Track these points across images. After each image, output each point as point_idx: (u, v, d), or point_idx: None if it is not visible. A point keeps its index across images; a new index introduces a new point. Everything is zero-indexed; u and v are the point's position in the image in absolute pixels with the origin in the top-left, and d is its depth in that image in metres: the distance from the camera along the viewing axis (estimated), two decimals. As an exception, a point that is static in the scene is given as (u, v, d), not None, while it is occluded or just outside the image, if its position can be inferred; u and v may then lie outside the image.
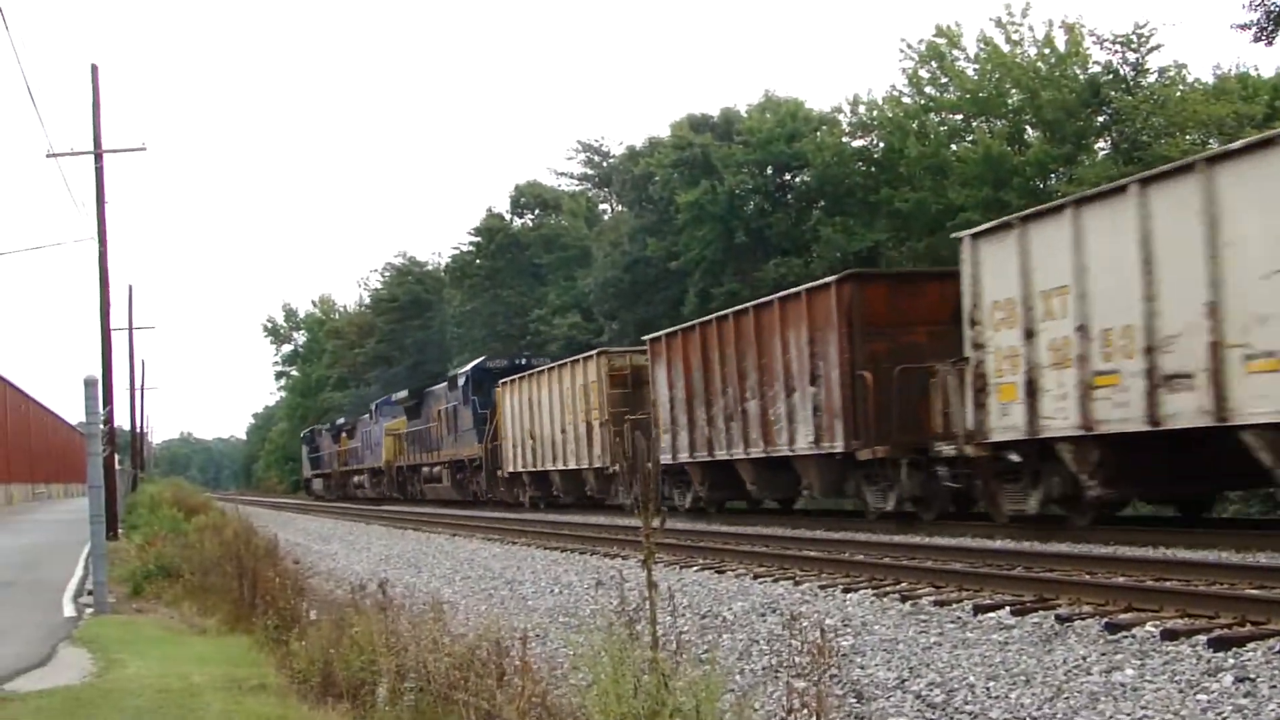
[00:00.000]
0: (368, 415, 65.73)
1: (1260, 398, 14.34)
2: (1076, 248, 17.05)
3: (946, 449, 19.98)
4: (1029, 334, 18.02)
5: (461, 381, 47.29)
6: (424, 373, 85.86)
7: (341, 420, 77.19)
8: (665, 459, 28.79)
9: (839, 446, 22.36)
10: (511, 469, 41.27)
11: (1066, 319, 17.31)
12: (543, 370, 38.90)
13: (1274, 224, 14.08)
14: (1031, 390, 17.91)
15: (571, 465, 35.94)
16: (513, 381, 41.24)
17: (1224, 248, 14.77)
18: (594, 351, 35.86)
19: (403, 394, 57.17)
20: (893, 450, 21.29)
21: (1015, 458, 18.58)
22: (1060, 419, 17.45)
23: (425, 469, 53.07)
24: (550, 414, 37.56)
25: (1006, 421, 18.45)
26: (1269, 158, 14.38)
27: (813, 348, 23.03)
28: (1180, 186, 15.47)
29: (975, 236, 19.36)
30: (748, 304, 26.69)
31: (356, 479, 68.34)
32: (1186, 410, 15.39)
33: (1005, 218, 19.45)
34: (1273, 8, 26.63)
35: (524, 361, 44.54)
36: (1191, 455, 16.32)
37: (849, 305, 22.18)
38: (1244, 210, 14.57)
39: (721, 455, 26.84)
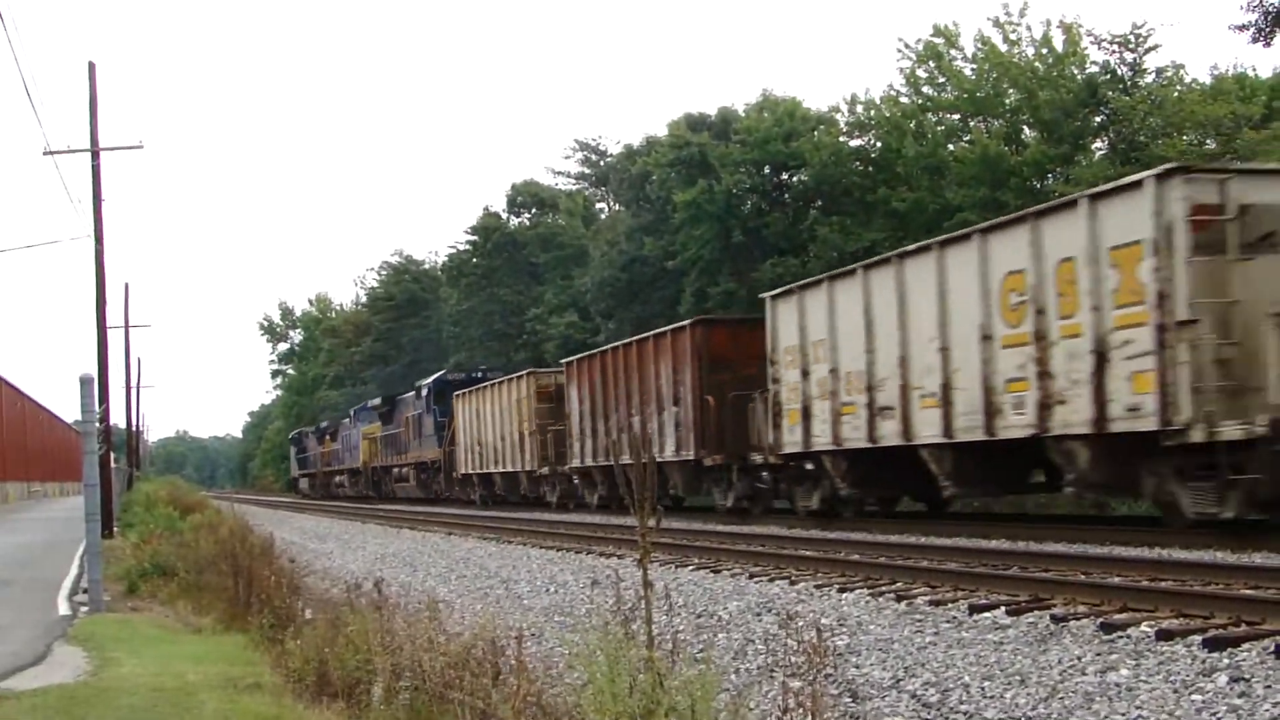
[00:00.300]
0: (347, 420, 70.68)
1: (928, 425, 20.69)
2: (830, 311, 23.46)
3: (757, 458, 26.33)
4: (805, 373, 24.25)
5: (425, 392, 53.21)
6: (420, 371, 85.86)
7: (325, 424, 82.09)
8: (576, 463, 35.46)
9: (691, 455, 28.51)
10: (464, 471, 47.30)
11: (825, 363, 23.59)
12: (487, 385, 44.93)
13: (932, 307, 20.53)
14: (806, 415, 24.20)
15: (509, 468, 42.14)
16: (465, 394, 47.23)
17: (909, 318, 21.24)
18: (525, 371, 42.42)
19: (377, 401, 62.97)
20: (727, 458, 27.36)
21: (810, 466, 24.45)
22: (823, 437, 23.76)
23: (395, 470, 59.08)
24: (493, 424, 43.62)
25: (792, 438, 24.73)
26: (930, 258, 20.68)
27: (675, 376, 29.28)
28: (885, 272, 21.97)
29: (773, 298, 25.72)
30: (633, 338, 33.17)
31: (338, 479, 73.71)
32: (891, 433, 21.69)
33: (790, 285, 26.11)
34: (1270, 8, 26.62)
35: (480, 375, 49.95)
36: (902, 466, 22.00)
37: (699, 344, 28.41)
38: (920, 294, 20.93)
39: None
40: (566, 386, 36.84)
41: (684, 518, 28.04)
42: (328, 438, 78.53)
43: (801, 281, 25.84)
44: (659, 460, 28.32)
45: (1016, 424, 18.73)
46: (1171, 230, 15.78)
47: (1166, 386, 15.78)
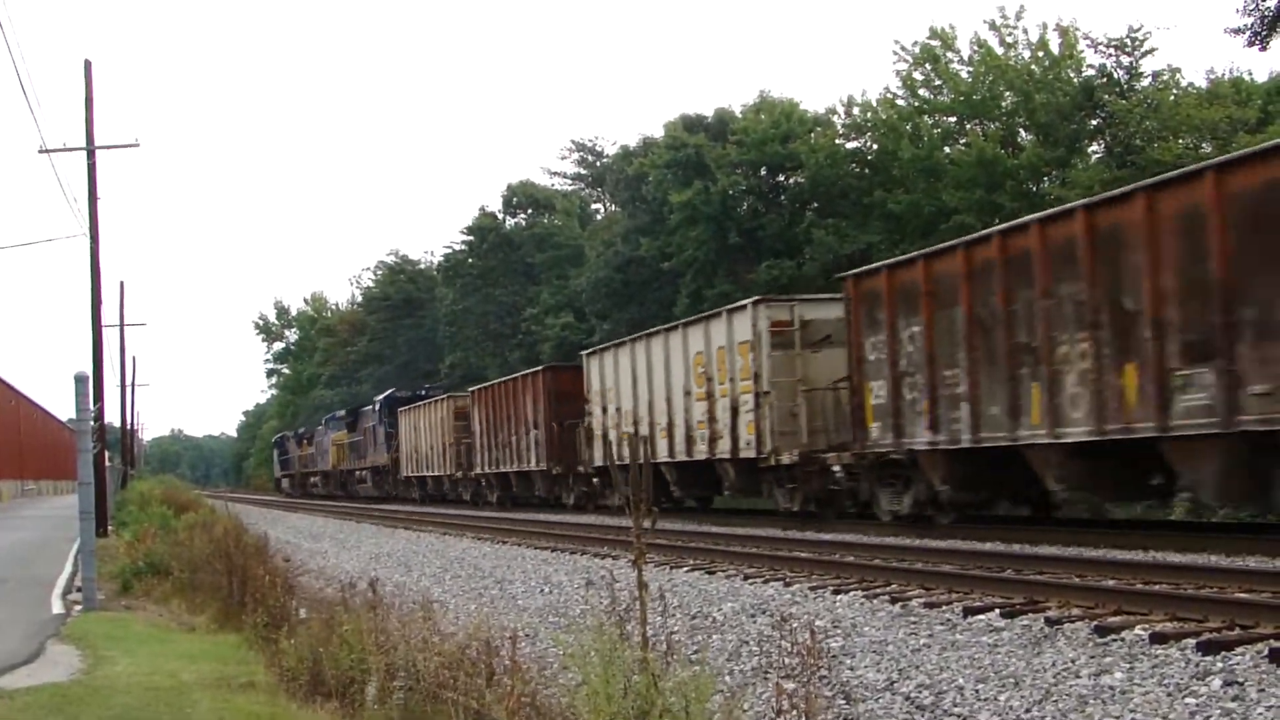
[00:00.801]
0: (321, 426, 77.96)
1: (664, 448, 29.56)
2: (616, 368, 33.00)
3: (581, 469, 35.85)
4: (604, 409, 33.72)
5: (378, 407, 62.15)
6: (416, 371, 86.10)
7: (303, 429, 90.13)
8: (478, 470, 45.56)
9: (544, 466, 38.26)
10: (405, 474, 56.79)
11: (613, 403, 33.05)
12: (421, 405, 54.40)
13: (662, 371, 29.88)
14: (605, 439, 33.30)
15: (437, 473, 51.30)
16: (407, 410, 56.50)
17: (654, 377, 30.47)
18: (444, 395, 51.64)
19: (343, 412, 72.21)
20: (565, 468, 37.00)
21: (621, 477, 25.77)
22: (616, 453, 30.70)
23: (357, 472, 67.80)
24: (425, 436, 53.27)
25: (599, 455, 33.90)
26: (661, 338, 30.30)
27: (535, 407, 39.01)
28: (641, 345, 31.33)
29: (587, 355, 35.80)
30: (511, 376, 44.09)
31: (313, 479, 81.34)
32: (663, 451, 29.67)
33: (598, 346, 36.52)
34: (1267, 12, 26.65)
35: (424, 393, 58.55)
36: (656, 476, 27.71)
37: (549, 385, 38.24)
38: (657, 362, 30.32)
39: (503, 469, 42.49)
40: (473, 408, 45.98)
41: (680, 519, 28.18)
42: (305, 442, 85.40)
43: (601, 345, 35.97)
44: (530, 470, 39.61)
45: (701, 451, 28.17)
46: (760, 335, 25.25)
47: (760, 431, 25.26)
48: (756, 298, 26.67)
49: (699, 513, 30.56)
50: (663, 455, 29.46)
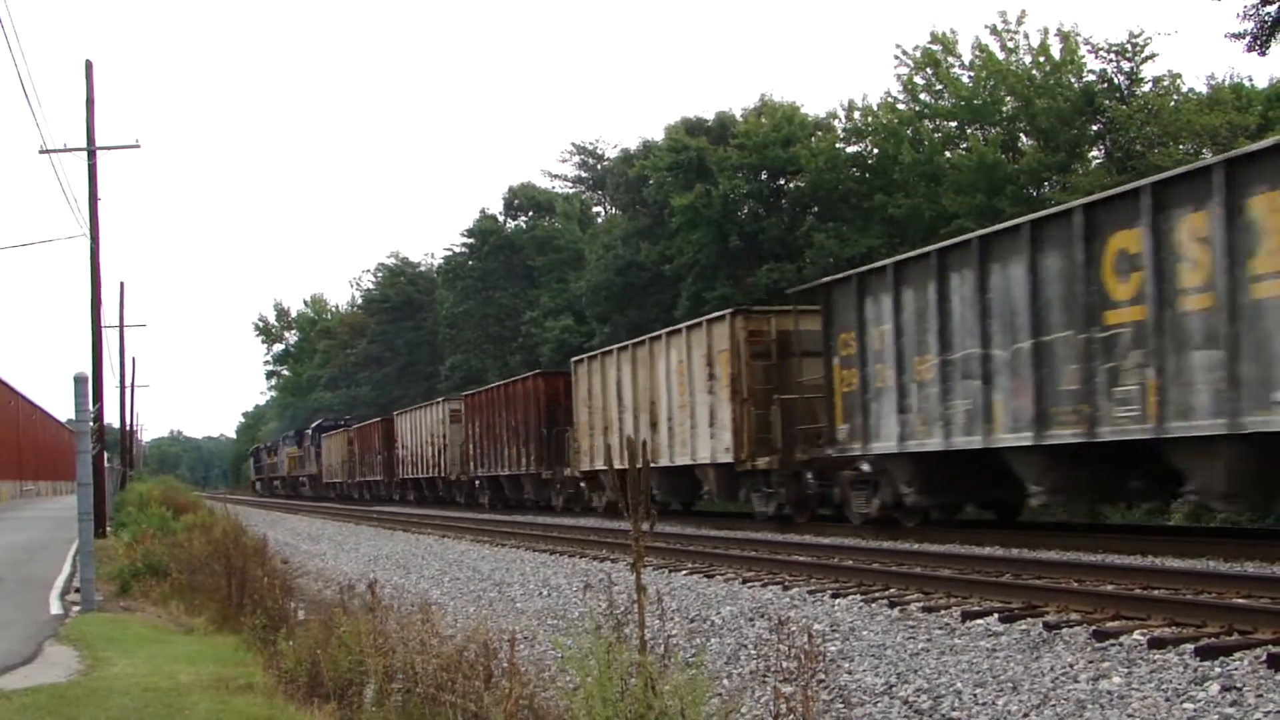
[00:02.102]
0: (281, 442, 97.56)
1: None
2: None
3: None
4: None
5: (310, 431, 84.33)
6: (415, 373, 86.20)
7: (270, 442, 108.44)
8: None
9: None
10: (325, 480, 77.23)
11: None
12: (342, 430, 73.24)
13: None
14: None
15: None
16: (329, 434, 77.36)
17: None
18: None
19: (292, 433, 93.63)
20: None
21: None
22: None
23: (299, 478, 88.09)
24: (337, 454, 73.05)
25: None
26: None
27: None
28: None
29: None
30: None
31: (275, 482, 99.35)
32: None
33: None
34: (1266, 18, 26.64)
35: (344, 422, 76.53)
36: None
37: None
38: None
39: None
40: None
41: (676, 522, 28.40)
42: (271, 453, 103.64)
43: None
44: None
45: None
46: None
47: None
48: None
49: (681, 515, 31.29)
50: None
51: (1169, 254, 15.29)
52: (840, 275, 23.48)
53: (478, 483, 46.99)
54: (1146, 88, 37.47)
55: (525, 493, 41.72)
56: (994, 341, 18.61)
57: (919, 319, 20.37)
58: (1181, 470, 15.81)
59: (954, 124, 42.45)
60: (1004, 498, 21.27)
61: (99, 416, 32.87)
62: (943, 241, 21.23)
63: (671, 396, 29.44)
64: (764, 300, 36.39)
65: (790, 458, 24.80)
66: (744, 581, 15.40)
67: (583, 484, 36.08)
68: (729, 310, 27.26)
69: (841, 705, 9.33)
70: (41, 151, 30.82)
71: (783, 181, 48.07)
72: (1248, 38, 26.95)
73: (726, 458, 26.62)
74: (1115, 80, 37.51)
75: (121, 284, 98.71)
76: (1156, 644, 9.39)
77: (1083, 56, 38.85)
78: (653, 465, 29.01)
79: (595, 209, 76.73)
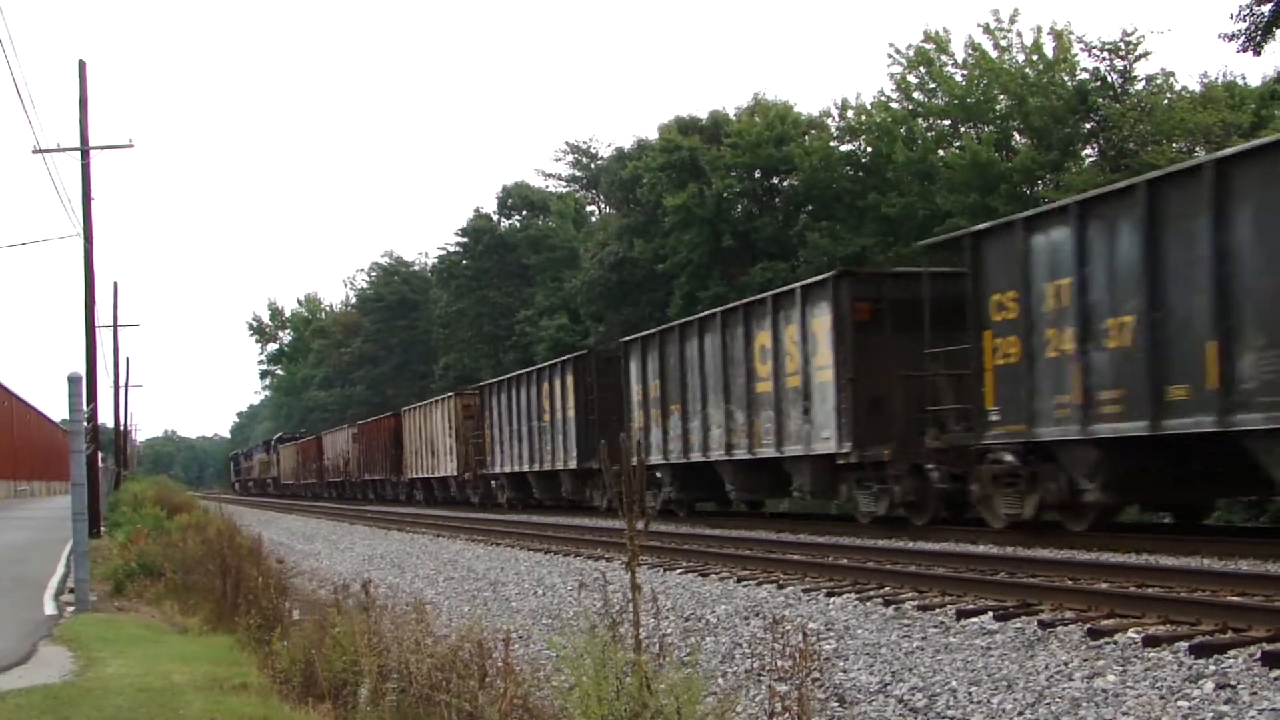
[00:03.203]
0: (255, 449, 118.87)
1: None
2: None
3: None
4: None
5: (271, 442, 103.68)
6: (410, 373, 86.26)
7: (247, 449, 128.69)
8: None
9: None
10: (283, 481, 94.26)
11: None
12: (293, 442, 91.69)
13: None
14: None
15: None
16: (285, 444, 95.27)
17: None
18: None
19: (263, 442, 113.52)
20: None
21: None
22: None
23: (266, 479, 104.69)
24: (288, 462, 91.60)
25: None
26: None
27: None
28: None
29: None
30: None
31: (250, 483, 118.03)
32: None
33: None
34: (1260, 18, 26.68)
35: (301, 434, 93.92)
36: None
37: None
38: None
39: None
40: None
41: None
42: (246, 458, 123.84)
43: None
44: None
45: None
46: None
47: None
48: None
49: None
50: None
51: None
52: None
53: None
54: (1140, 86, 37.58)
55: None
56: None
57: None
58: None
59: (947, 123, 42.55)
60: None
61: (93, 416, 32.82)
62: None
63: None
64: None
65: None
66: (739, 580, 15.40)
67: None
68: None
69: (837, 704, 9.33)
70: (35, 151, 30.84)
71: (776, 180, 48.15)
72: (1241, 38, 26.99)
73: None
74: (1108, 79, 37.60)
75: (115, 284, 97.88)
76: (1151, 642, 9.40)
77: (1076, 55, 38.98)
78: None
79: (589, 208, 76.85)
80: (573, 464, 35.61)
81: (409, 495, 56.42)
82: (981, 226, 19.45)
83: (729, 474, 26.58)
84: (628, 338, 32.65)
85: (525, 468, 39.96)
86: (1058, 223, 17.29)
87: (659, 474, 29.48)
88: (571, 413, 35.77)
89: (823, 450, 22.85)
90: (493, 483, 44.08)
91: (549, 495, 39.45)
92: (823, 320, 22.69)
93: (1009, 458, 18.28)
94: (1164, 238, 15.50)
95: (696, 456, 27.35)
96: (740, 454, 25.63)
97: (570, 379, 35.90)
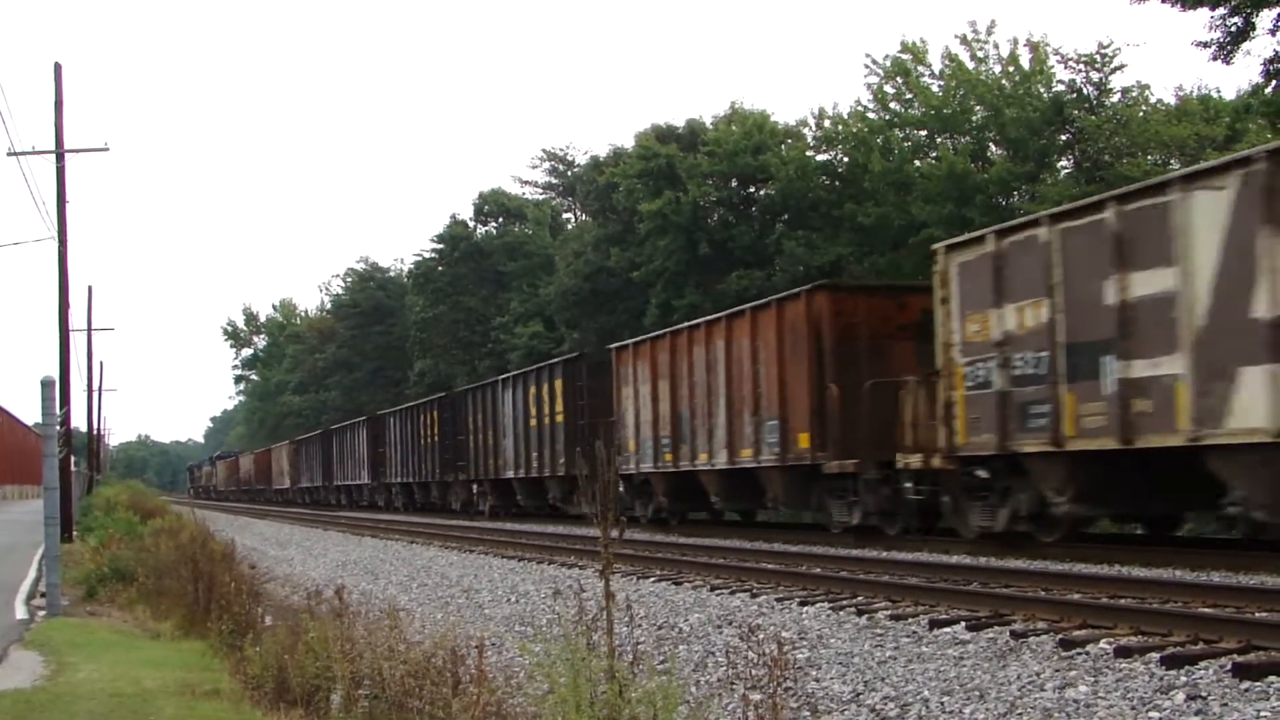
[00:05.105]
0: (206, 462, 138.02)
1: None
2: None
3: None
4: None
5: (217, 457, 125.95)
6: (384, 379, 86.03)
7: (198, 463, 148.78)
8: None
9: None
10: (220, 489, 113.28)
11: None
12: (226, 459, 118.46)
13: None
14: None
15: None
16: (221, 460, 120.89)
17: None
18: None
19: (213, 455, 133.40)
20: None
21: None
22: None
23: (211, 487, 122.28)
24: (232, 473, 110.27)
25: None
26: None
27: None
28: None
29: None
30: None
31: (200, 489, 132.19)
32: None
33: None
34: (1233, 27, 26.85)
35: (233, 454, 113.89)
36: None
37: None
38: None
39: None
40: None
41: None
42: (199, 469, 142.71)
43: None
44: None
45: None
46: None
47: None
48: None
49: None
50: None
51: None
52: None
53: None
54: (1115, 98, 37.74)
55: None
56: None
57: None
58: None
59: (924, 133, 42.63)
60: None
61: (66, 420, 32.65)
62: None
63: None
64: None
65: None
66: (712, 589, 15.41)
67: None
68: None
69: (809, 713, 9.34)
70: (10, 154, 30.65)
71: (753, 189, 48.15)
72: (1213, 46, 27.16)
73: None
74: (1084, 90, 37.76)
75: (90, 287, 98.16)
76: (1123, 653, 9.45)
77: (1052, 67, 39.10)
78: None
79: (565, 215, 76.77)
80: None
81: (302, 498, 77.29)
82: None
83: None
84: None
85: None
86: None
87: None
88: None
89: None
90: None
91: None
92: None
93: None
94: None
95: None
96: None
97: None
